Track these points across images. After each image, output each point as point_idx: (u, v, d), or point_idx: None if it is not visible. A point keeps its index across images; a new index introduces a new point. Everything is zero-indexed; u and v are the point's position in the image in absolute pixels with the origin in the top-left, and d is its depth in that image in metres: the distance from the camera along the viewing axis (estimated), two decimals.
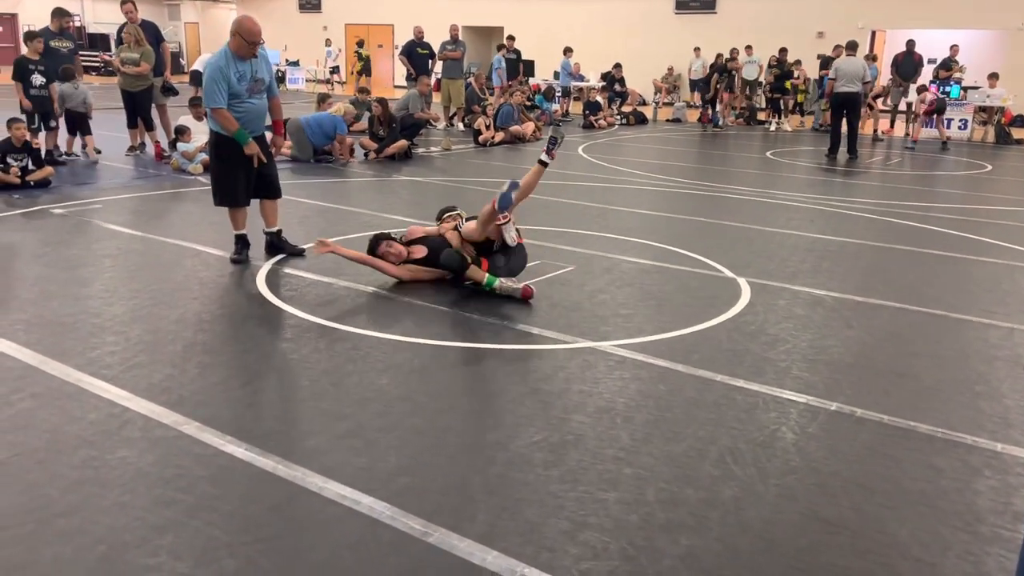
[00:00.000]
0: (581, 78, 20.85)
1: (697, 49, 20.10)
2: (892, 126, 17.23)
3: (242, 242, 5.82)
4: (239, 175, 5.62)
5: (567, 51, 19.42)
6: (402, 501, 2.72)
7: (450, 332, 4.45)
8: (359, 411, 3.43)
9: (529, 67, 19.78)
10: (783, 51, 17.80)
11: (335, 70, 26.51)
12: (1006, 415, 3.59)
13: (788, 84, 18.07)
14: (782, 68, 17.73)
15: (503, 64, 17.69)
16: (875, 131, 16.40)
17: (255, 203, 5.87)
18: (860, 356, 4.27)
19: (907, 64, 16.01)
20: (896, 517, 2.75)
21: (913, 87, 15.99)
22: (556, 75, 21.16)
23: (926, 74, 16.76)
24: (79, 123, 10.23)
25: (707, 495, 2.84)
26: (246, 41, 5.32)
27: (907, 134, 16.42)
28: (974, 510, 2.81)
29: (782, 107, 18.11)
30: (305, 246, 6.03)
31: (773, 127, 17.71)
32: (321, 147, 10.65)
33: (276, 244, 5.98)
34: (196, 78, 12.18)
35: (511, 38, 18.75)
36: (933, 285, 5.72)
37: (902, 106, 16.37)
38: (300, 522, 2.61)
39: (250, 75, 5.44)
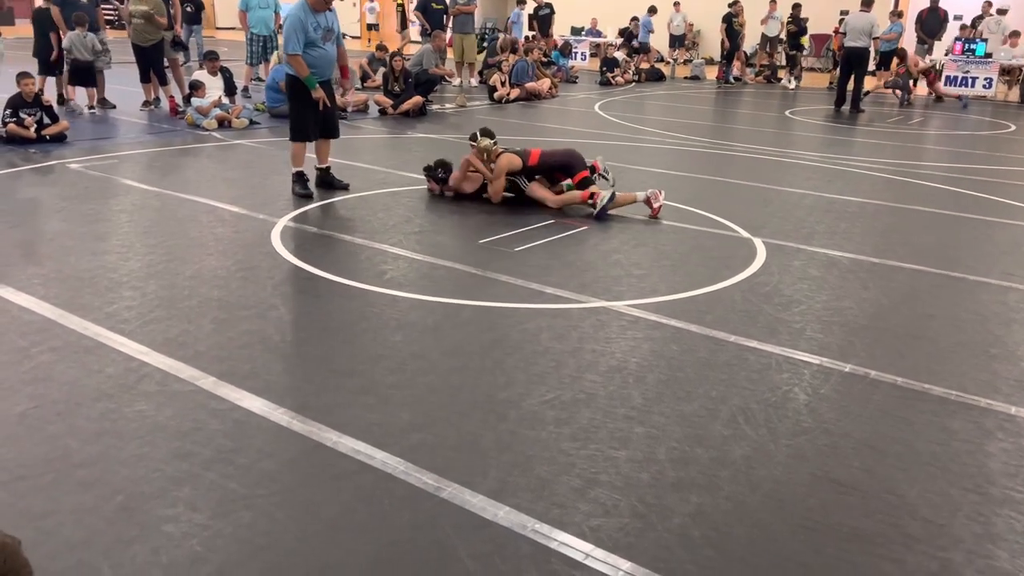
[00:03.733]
0: (598, 34, 20.53)
1: (677, 4, 19.56)
2: (915, 84, 16.89)
3: (303, 178, 6.49)
4: (309, 115, 6.31)
5: (652, 10, 19.09)
6: (415, 456, 2.75)
7: (463, 291, 4.46)
8: (373, 368, 3.45)
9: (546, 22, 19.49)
10: (796, 7, 17.43)
11: (374, 27, 26.01)
12: (1022, 378, 3.57)
13: (804, 40, 17.73)
14: (798, 24, 17.39)
15: (521, 18, 17.44)
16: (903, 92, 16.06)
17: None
18: (876, 318, 4.25)
19: (932, 20, 15.66)
20: (907, 478, 2.76)
21: (938, 44, 15.66)
22: (573, 30, 20.85)
23: (952, 30, 16.38)
24: (83, 73, 10.09)
25: (718, 454, 2.85)
26: None
27: (930, 92, 16.13)
28: (985, 472, 2.81)
29: (799, 64, 17.80)
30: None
31: (792, 84, 17.41)
32: (273, 106, 10.17)
33: (325, 179, 6.67)
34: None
35: None
36: (952, 247, 5.66)
37: (925, 63, 16.02)
38: (314, 476, 2.65)
39: (325, 25, 6.16)
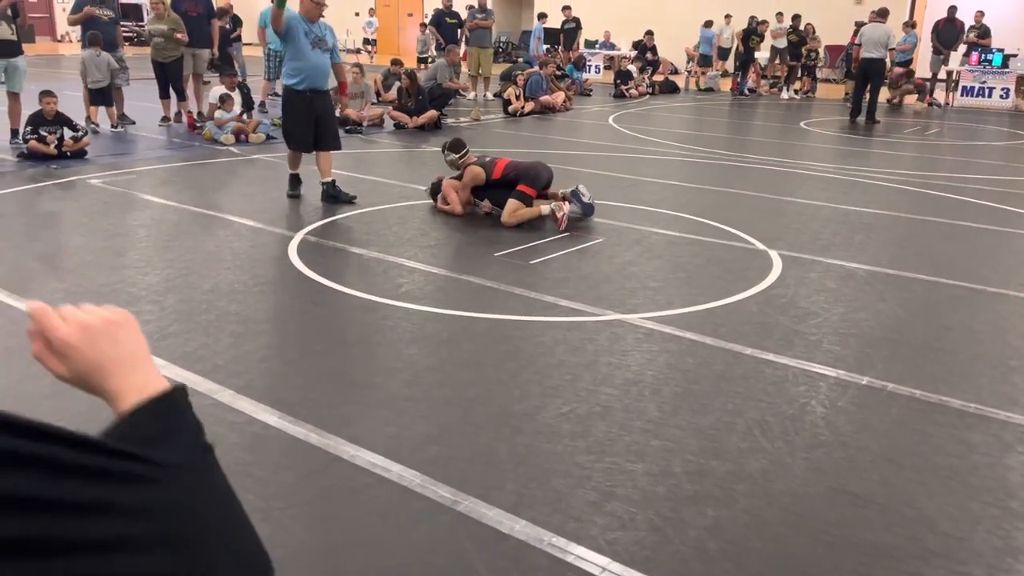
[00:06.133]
0: (612, 47, 20.60)
1: (728, 17, 19.72)
2: (931, 94, 16.83)
3: (295, 180, 6.83)
4: (300, 124, 6.59)
5: (708, 24, 19.19)
6: (431, 470, 2.76)
7: (478, 304, 4.47)
8: (388, 381, 3.47)
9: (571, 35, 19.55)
10: (796, 18, 17.45)
11: (372, 42, 26.32)
12: None
13: (804, 50, 17.73)
14: (799, 34, 17.40)
15: (542, 33, 17.57)
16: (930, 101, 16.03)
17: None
18: (892, 330, 4.23)
19: (948, 31, 15.61)
20: (926, 492, 2.74)
21: (954, 55, 15.60)
22: (587, 43, 20.92)
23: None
24: (100, 93, 10.15)
25: (734, 467, 2.84)
26: (313, 2, 6.40)
27: (947, 103, 16.07)
28: (1005, 486, 2.79)
29: (800, 74, 17.81)
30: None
31: (786, 95, 17.40)
32: None
33: (330, 193, 6.75)
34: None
35: (567, 7, 18.57)
36: (970, 258, 5.62)
37: (942, 74, 15.98)
38: (332, 489, 2.66)
39: (318, 34, 6.47)
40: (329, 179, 6.74)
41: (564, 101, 14.05)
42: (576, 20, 18.17)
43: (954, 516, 2.61)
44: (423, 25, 18.89)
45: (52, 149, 8.07)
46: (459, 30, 15.30)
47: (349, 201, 6.69)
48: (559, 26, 18.65)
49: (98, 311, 0.75)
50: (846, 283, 4.97)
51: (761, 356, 3.80)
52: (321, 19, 6.55)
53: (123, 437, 0.66)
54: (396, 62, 13.50)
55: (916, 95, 15.84)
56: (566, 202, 6.15)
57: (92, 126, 10.06)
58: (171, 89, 10.53)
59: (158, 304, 4.31)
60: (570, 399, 3.32)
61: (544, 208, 6.13)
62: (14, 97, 8.70)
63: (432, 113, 11.17)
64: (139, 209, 6.42)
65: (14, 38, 8.56)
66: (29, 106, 8.41)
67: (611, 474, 2.78)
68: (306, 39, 6.38)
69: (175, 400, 0.72)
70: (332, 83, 6.84)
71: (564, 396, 3.35)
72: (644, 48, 19.10)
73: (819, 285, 4.91)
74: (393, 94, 12.16)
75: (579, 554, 2.35)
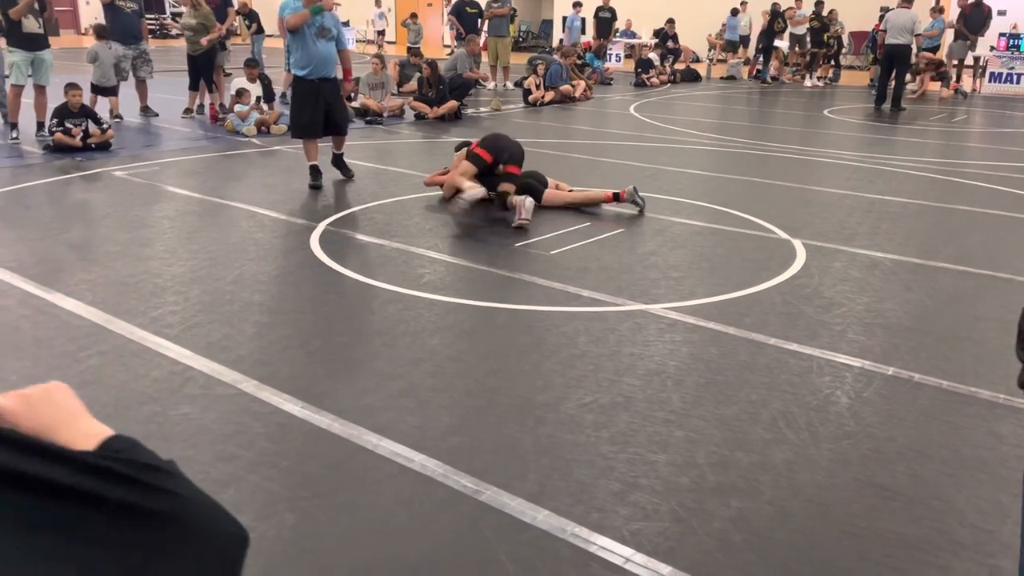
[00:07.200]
0: (633, 35, 20.46)
1: (744, 3, 19.47)
2: (958, 81, 16.57)
3: (315, 171, 6.92)
4: (307, 112, 6.72)
5: (735, 12, 19.06)
6: (454, 459, 2.77)
7: (500, 294, 4.47)
8: (411, 371, 3.48)
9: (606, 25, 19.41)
10: (819, 3, 17.22)
11: (381, 32, 26.41)
12: None
13: (826, 37, 17.50)
14: (821, 20, 17.17)
15: (577, 23, 17.51)
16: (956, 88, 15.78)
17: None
18: (920, 320, 4.17)
19: (975, 16, 15.34)
20: (954, 484, 2.71)
21: (982, 41, 15.34)
22: (616, 31, 20.79)
23: (997, 26, 16.04)
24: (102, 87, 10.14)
25: (759, 459, 2.82)
26: None
27: (974, 89, 15.82)
28: None
29: (821, 61, 17.59)
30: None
31: (810, 83, 17.18)
32: None
33: (337, 163, 7.15)
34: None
35: None
36: (998, 247, 5.53)
37: (968, 60, 15.72)
38: (355, 478, 2.67)
39: (319, 23, 6.55)
40: (340, 151, 7.15)
41: (584, 90, 13.98)
42: (611, 10, 18.07)
43: (983, 508, 2.57)
44: (414, 16, 18.89)
45: (77, 141, 8.16)
46: (479, 20, 15.25)
47: (348, 176, 7.13)
48: (593, 14, 18.52)
49: (34, 386, 0.82)
50: (871, 272, 4.91)
51: (785, 346, 3.77)
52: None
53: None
54: (415, 52, 13.50)
55: (940, 82, 15.58)
56: (526, 199, 5.87)
57: (116, 119, 10.14)
58: (201, 81, 10.64)
59: (183, 295, 4.34)
60: (592, 389, 3.31)
61: (475, 191, 5.92)
62: (40, 90, 8.79)
63: (452, 103, 11.16)
64: (163, 200, 6.47)
65: (41, 32, 8.64)
66: (54, 99, 8.50)
67: (634, 464, 2.77)
68: (309, 30, 6.53)
69: (128, 438, 0.80)
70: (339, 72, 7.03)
71: (586, 386, 3.34)
72: (665, 36, 18.95)
73: (844, 275, 4.86)
74: (413, 84, 12.16)
75: (602, 544, 2.35)
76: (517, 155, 6.19)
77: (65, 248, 5.21)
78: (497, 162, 6.11)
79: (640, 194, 6.21)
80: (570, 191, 6.40)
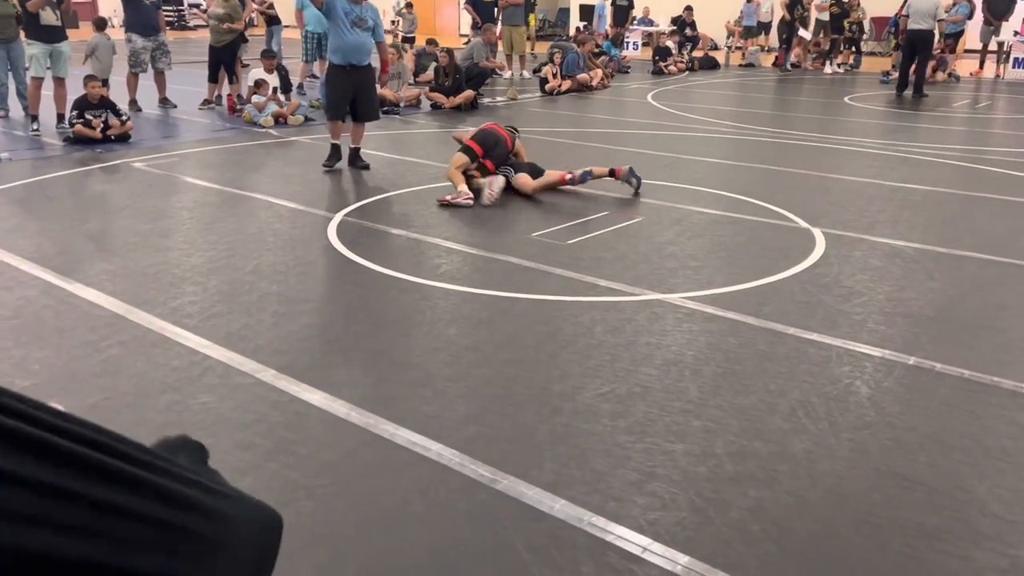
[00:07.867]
0: (650, 23, 20.31)
1: None
2: (981, 67, 16.34)
3: (334, 151, 7.21)
4: (339, 95, 7.07)
5: None
6: (471, 449, 2.77)
7: (517, 284, 4.46)
8: (428, 360, 3.48)
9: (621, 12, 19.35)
10: None
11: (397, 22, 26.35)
12: None
13: (846, 23, 17.25)
14: (841, 6, 16.93)
15: (606, 11, 17.48)
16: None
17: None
18: (942, 309, 4.13)
19: (999, 1, 15.09)
20: (975, 474, 2.68)
21: (1006, 25, 15.09)
22: (633, 19, 20.69)
23: (1021, 11, 15.77)
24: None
25: (777, 448, 2.81)
26: None
27: (998, 75, 15.59)
28: None
29: (842, 48, 17.36)
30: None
31: (829, 70, 16.97)
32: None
33: (353, 157, 7.34)
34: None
35: None
36: (1023, 235, 5.45)
37: (992, 46, 15.47)
38: (373, 467, 2.68)
39: (358, 14, 6.80)
40: (356, 146, 7.32)
41: (601, 79, 13.89)
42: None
43: (1005, 499, 2.54)
44: (409, 5, 18.82)
45: (97, 133, 8.21)
46: (495, 9, 15.19)
47: (364, 167, 7.26)
48: (610, 2, 18.50)
49: None
50: (892, 261, 4.86)
51: (804, 336, 3.74)
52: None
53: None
54: (431, 42, 13.47)
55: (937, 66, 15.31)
56: (500, 178, 6.24)
57: (136, 110, 10.21)
58: (220, 72, 10.70)
59: (201, 285, 4.37)
60: (609, 379, 3.31)
61: (499, 182, 6.20)
62: (59, 82, 8.86)
63: (469, 93, 11.13)
64: (182, 191, 6.51)
65: (59, 24, 8.71)
66: (74, 91, 8.56)
67: (651, 454, 2.76)
68: (345, 19, 6.73)
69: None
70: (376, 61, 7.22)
71: (603, 376, 3.33)
72: (683, 24, 18.78)
73: (864, 264, 4.81)
74: (430, 74, 12.14)
75: (619, 534, 2.34)
76: (499, 157, 6.46)
77: (85, 239, 5.25)
78: (486, 155, 6.42)
79: (637, 175, 6.35)
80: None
